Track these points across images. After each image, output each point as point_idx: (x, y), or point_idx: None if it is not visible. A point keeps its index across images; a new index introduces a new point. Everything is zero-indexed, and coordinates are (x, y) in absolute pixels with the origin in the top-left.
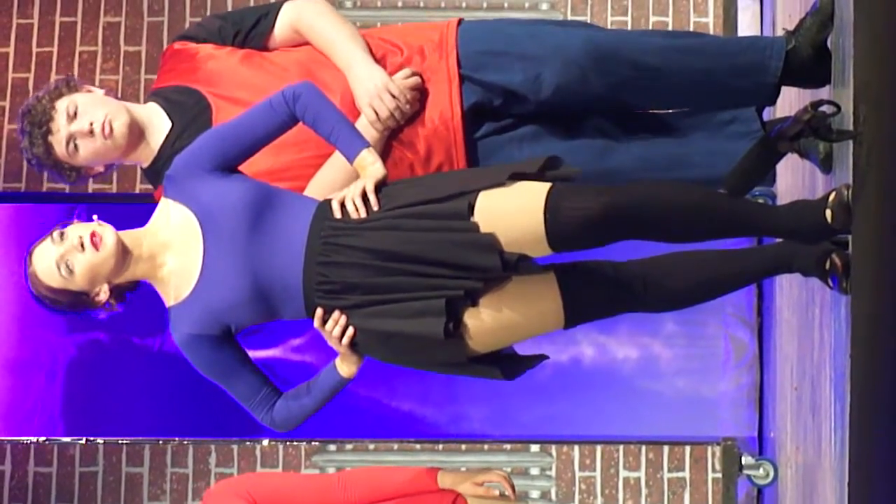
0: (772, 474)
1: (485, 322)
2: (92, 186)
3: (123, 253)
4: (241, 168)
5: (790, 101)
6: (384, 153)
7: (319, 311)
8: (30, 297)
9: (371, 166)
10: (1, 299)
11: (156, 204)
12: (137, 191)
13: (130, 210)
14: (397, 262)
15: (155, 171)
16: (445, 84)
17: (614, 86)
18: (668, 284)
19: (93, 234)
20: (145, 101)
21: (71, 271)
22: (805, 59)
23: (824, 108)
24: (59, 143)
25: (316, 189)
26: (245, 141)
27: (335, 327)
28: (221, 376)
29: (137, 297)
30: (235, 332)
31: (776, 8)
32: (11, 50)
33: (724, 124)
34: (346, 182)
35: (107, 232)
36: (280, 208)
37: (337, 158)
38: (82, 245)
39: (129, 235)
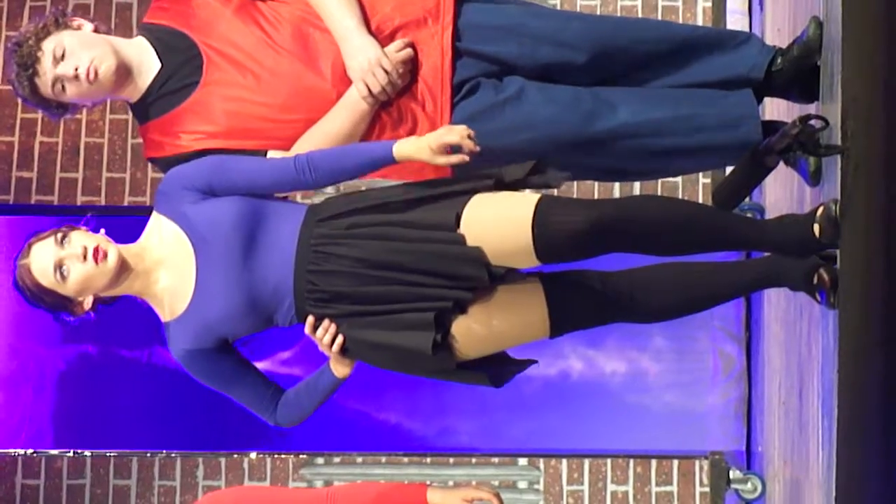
0: (759, 489)
1: (472, 330)
2: (81, 199)
3: (121, 270)
4: (219, 116)
5: (780, 115)
6: (371, 124)
7: (311, 319)
8: (17, 308)
9: (418, 140)
10: None
11: (146, 217)
12: (126, 203)
13: (119, 222)
14: (385, 272)
15: (143, 108)
16: (438, 57)
17: (608, 68)
18: (655, 297)
19: (96, 249)
20: (135, 35)
21: (65, 277)
22: (791, 79)
23: (812, 122)
24: (45, 84)
25: (314, 139)
26: (243, 184)
27: (325, 335)
28: (223, 385)
29: (126, 310)
30: (232, 342)
31: (765, 23)
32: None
33: (719, 97)
34: (348, 131)
35: (111, 249)
36: (269, 219)
37: (334, 114)
38: (84, 256)
39: (129, 252)
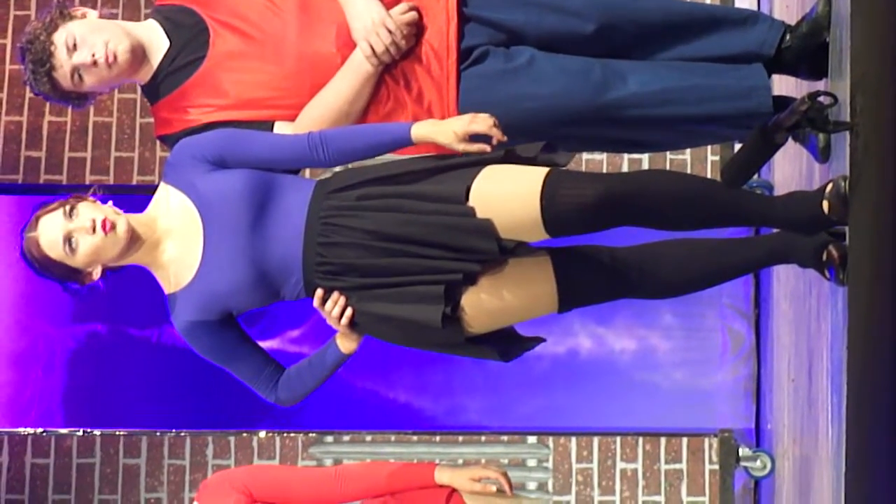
0: (769, 466)
1: (482, 303)
2: (89, 178)
3: (131, 240)
4: (227, 88)
5: (788, 92)
6: (376, 87)
7: (319, 292)
8: (27, 287)
9: (438, 124)
10: None
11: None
12: (135, 182)
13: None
14: (395, 244)
15: (153, 88)
16: (444, 22)
17: (615, 40)
18: (664, 273)
19: (104, 221)
20: (145, 18)
21: (74, 250)
22: (799, 56)
23: (821, 98)
24: (63, 77)
25: (320, 102)
26: (255, 158)
27: (334, 308)
28: (224, 359)
29: (135, 288)
30: (237, 316)
31: (773, 2)
32: (8, 42)
33: (730, 69)
34: (353, 94)
35: (120, 220)
36: (278, 192)
37: (339, 77)
38: (93, 228)
39: (138, 222)
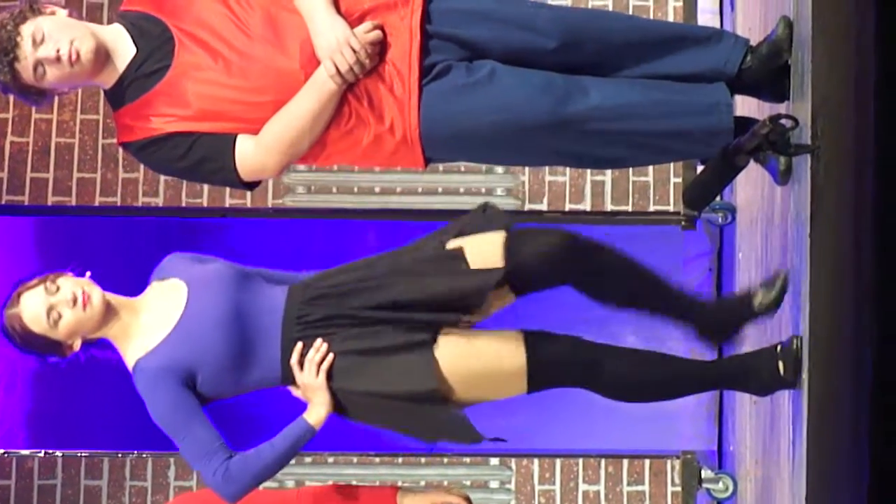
0: (731, 488)
1: (455, 359)
2: (52, 199)
3: (106, 314)
4: (190, 99)
5: (750, 114)
6: (339, 105)
7: (299, 345)
8: None
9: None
10: None
11: (117, 217)
12: (97, 203)
13: (89, 222)
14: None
15: (117, 93)
16: (407, 40)
17: (578, 57)
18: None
19: (83, 293)
20: (110, 23)
21: (56, 323)
22: (761, 78)
23: (783, 121)
24: (25, 69)
25: (282, 119)
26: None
27: (316, 355)
28: (184, 416)
29: None
30: (197, 388)
31: (736, 22)
32: None
33: (692, 87)
34: (315, 112)
35: (94, 292)
36: (255, 285)
37: (302, 94)
38: (74, 301)
39: (114, 299)
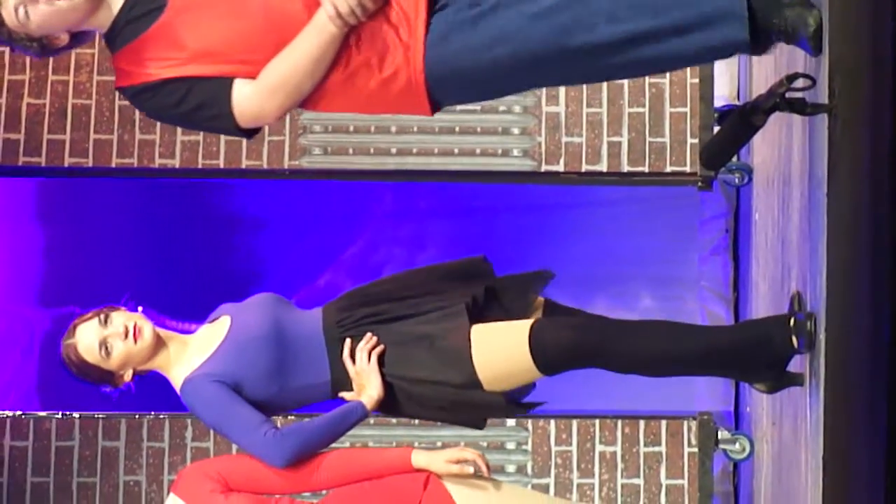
0: (748, 449)
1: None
2: (68, 161)
3: (156, 346)
4: (185, 41)
5: (767, 74)
6: (342, 50)
7: (349, 341)
8: (2, 271)
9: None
10: None
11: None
12: (114, 165)
13: (106, 183)
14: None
15: (113, 37)
16: None
17: None
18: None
19: (135, 327)
20: None
21: (108, 354)
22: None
23: (799, 81)
24: (7, 12)
25: (281, 63)
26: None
27: (367, 345)
28: (229, 402)
29: (112, 270)
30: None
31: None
32: None
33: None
34: (316, 56)
35: (146, 326)
36: (291, 307)
37: (302, 37)
38: (126, 334)
39: (164, 332)
